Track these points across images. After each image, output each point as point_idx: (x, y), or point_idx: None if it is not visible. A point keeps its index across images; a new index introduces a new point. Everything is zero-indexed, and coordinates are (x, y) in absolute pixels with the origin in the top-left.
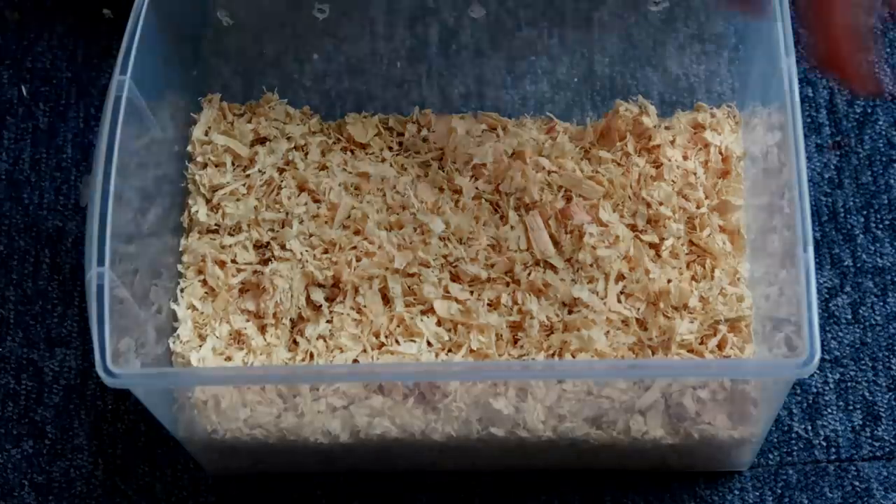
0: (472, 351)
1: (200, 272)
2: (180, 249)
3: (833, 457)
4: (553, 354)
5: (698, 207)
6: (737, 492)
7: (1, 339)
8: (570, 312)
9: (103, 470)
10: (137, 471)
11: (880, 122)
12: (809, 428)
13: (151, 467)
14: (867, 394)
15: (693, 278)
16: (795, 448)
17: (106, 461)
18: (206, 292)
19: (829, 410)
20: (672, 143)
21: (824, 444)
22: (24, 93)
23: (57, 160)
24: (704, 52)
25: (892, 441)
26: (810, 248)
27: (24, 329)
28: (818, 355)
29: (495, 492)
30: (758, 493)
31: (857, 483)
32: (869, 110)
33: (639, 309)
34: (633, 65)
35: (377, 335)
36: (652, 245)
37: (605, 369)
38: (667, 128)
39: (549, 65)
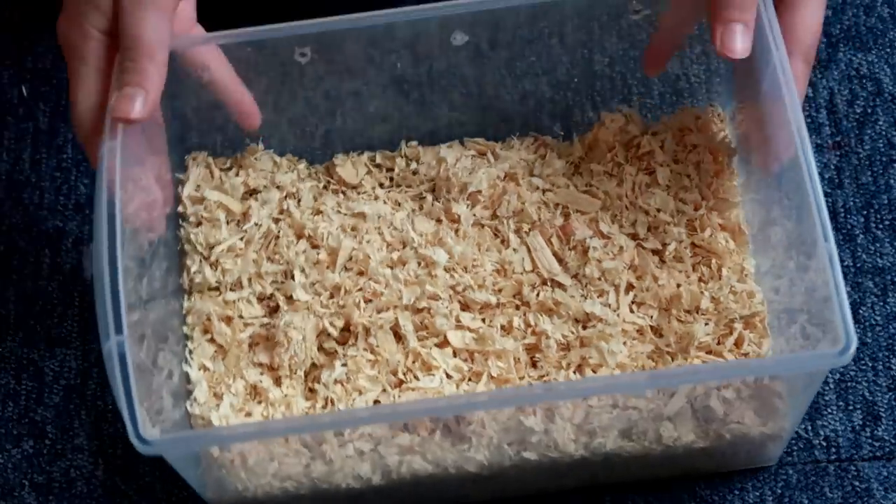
0: (492, 377)
1: (207, 331)
2: (183, 311)
3: (833, 457)
4: (573, 371)
5: (696, 209)
6: (737, 492)
7: (1, 339)
8: (584, 328)
9: (103, 470)
10: (137, 471)
11: (880, 122)
12: (809, 428)
13: (151, 467)
14: (867, 394)
15: (701, 280)
16: (795, 448)
17: (106, 461)
18: (215, 350)
19: (829, 410)
20: (661, 147)
21: (824, 444)
22: (25, 93)
23: (57, 160)
24: (704, 52)
25: (892, 441)
26: (831, 238)
27: (24, 329)
28: (854, 343)
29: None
30: (758, 493)
31: (857, 483)
32: (869, 110)
33: (652, 316)
34: (633, 65)
35: (394, 373)
36: (655, 251)
37: (628, 382)
38: (654, 133)
39: (549, 65)
